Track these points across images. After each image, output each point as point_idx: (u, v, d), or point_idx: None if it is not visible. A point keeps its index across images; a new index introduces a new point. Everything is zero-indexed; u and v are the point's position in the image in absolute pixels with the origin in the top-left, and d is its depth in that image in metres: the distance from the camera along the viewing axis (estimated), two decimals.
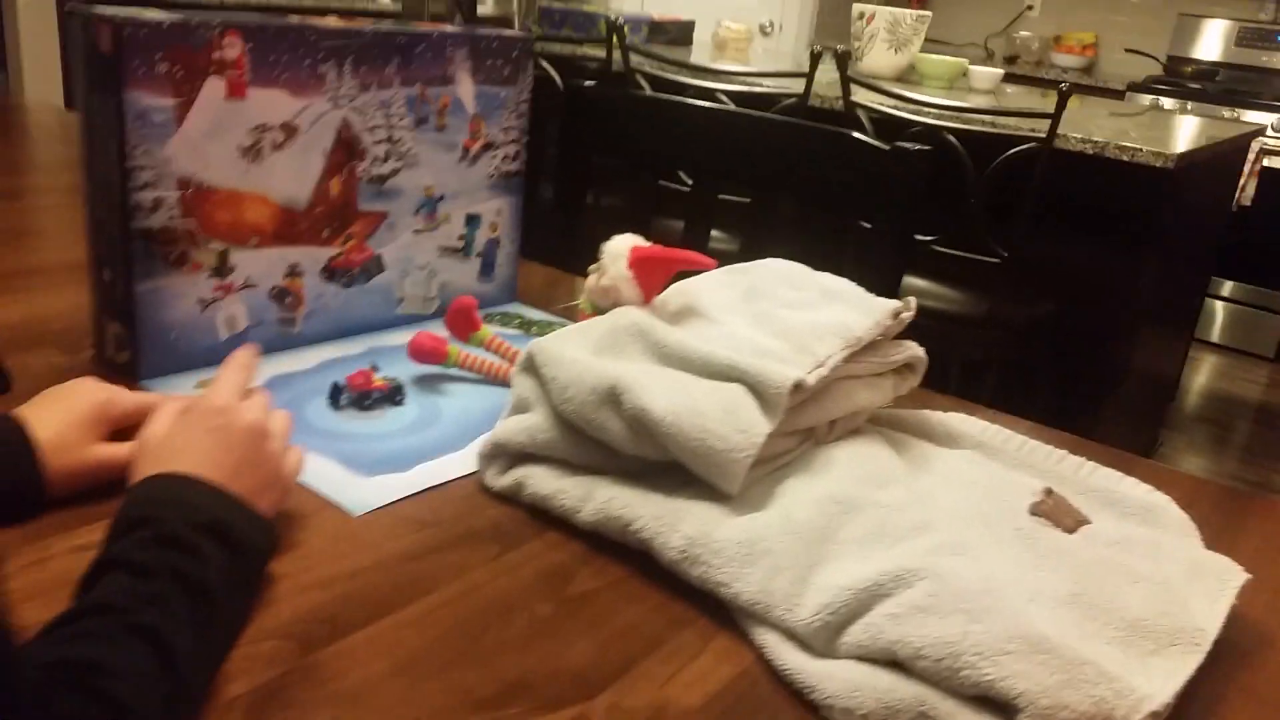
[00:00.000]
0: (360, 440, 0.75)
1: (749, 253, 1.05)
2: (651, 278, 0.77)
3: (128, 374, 0.80)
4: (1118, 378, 2.25)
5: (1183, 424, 3.14)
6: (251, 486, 0.57)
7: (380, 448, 0.74)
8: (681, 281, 0.82)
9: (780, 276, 0.83)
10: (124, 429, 0.64)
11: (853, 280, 0.84)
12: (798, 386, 0.66)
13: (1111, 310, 2.13)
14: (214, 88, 0.77)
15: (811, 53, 2.00)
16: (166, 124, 0.75)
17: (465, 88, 0.94)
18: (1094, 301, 2.13)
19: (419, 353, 0.85)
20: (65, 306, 0.90)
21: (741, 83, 2.18)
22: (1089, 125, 2.07)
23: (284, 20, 0.81)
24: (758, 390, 0.66)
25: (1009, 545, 0.65)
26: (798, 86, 2.09)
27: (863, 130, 1.95)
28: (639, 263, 0.76)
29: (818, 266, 0.86)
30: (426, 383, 0.86)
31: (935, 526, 0.61)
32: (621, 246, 0.76)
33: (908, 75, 2.57)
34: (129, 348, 0.80)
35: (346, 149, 0.87)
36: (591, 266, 0.79)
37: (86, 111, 0.75)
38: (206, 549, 0.50)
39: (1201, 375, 3.61)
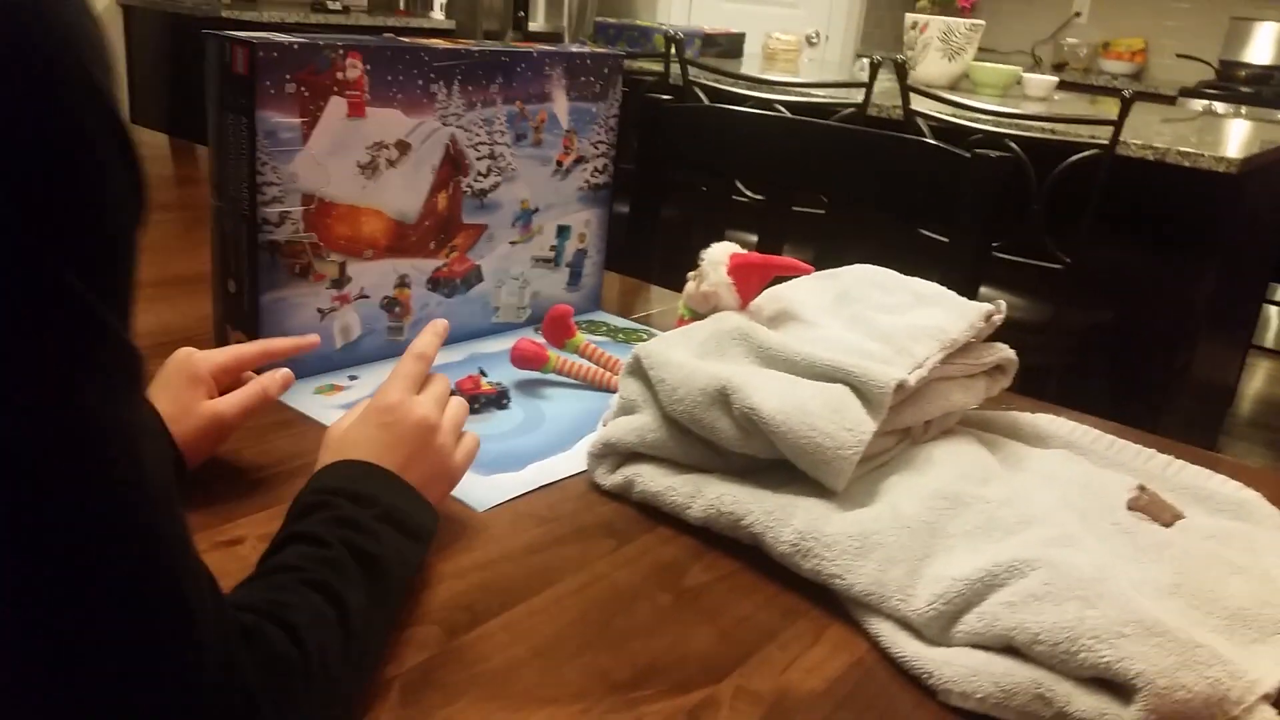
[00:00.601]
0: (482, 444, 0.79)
1: (822, 264, 1.08)
2: (749, 284, 0.80)
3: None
4: (1176, 383, 2.25)
5: (1240, 430, 3.11)
6: (420, 477, 0.61)
7: (493, 448, 0.78)
8: (776, 287, 0.85)
9: (871, 281, 0.86)
10: (225, 385, 0.71)
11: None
12: (900, 386, 0.69)
13: (1171, 316, 2.13)
14: (337, 107, 0.81)
15: (870, 61, 2.02)
16: (294, 141, 0.80)
17: (560, 104, 0.98)
18: (1153, 307, 2.13)
19: (521, 359, 0.89)
20: (185, 319, 0.95)
21: (798, 93, 2.21)
22: (1145, 131, 2.08)
23: (399, 41, 0.85)
24: (862, 390, 0.69)
25: (1109, 539, 0.67)
26: (854, 96, 2.12)
27: (923, 138, 1.97)
28: (738, 269, 0.79)
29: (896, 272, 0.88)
30: (527, 387, 0.90)
31: (1041, 520, 0.63)
32: (721, 254, 0.80)
33: (961, 84, 2.59)
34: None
35: (453, 164, 0.91)
36: (690, 273, 0.82)
37: (218, 131, 0.80)
38: (378, 529, 0.54)
39: (1258, 381, 3.57)
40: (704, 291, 0.80)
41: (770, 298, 0.84)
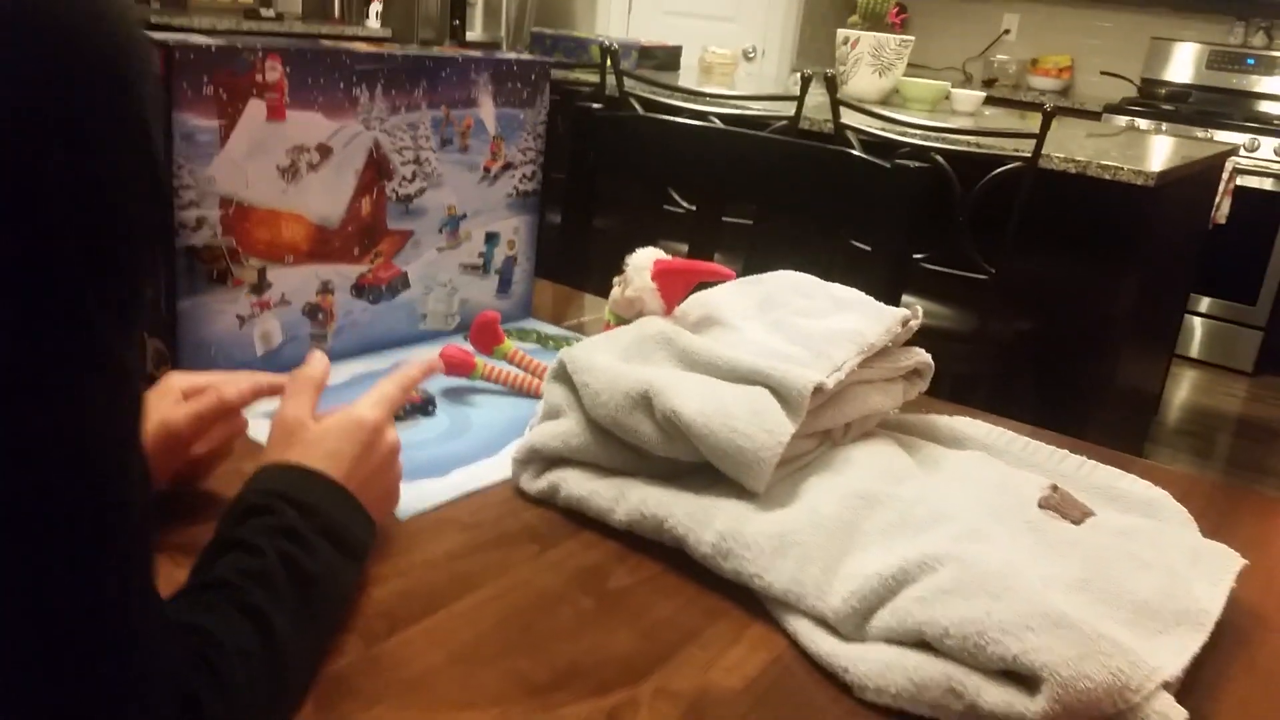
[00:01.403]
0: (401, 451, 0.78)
1: (752, 273, 1.09)
2: (674, 289, 0.80)
3: None
4: (1101, 392, 2.31)
5: (1166, 438, 3.20)
6: (374, 496, 0.61)
7: (417, 455, 0.77)
8: (701, 293, 0.86)
9: (792, 286, 0.87)
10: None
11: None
12: (818, 389, 0.70)
13: (1093, 325, 2.19)
14: (256, 109, 0.80)
15: (802, 76, 2.05)
16: (211, 144, 0.78)
17: (487, 110, 0.98)
18: (1076, 317, 2.19)
19: (449, 365, 0.88)
20: None
21: (733, 106, 2.23)
22: (1069, 145, 2.14)
23: (321, 44, 0.85)
24: (781, 393, 0.70)
25: (1021, 536, 0.69)
26: (787, 110, 2.15)
27: (853, 150, 2.00)
28: (662, 274, 0.80)
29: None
30: (454, 394, 0.89)
31: (953, 517, 0.64)
32: (645, 260, 0.80)
33: (891, 99, 2.64)
34: (168, 362, 0.83)
35: (377, 169, 0.90)
36: (616, 279, 0.83)
37: None
38: (317, 544, 0.53)
39: (1183, 390, 3.68)
40: (628, 297, 0.80)
41: (695, 303, 0.84)
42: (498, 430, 0.83)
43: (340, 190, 0.88)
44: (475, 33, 3.77)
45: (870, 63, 2.53)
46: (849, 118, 2.05)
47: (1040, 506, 0.71)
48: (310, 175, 0.86)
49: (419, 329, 1.00)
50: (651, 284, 0.79)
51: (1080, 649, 0.52)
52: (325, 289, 0.90)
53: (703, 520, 0.66)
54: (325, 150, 0.86)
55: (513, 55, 1.00)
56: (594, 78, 2.42)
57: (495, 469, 0.76)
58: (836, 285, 0.89)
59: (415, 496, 0.71)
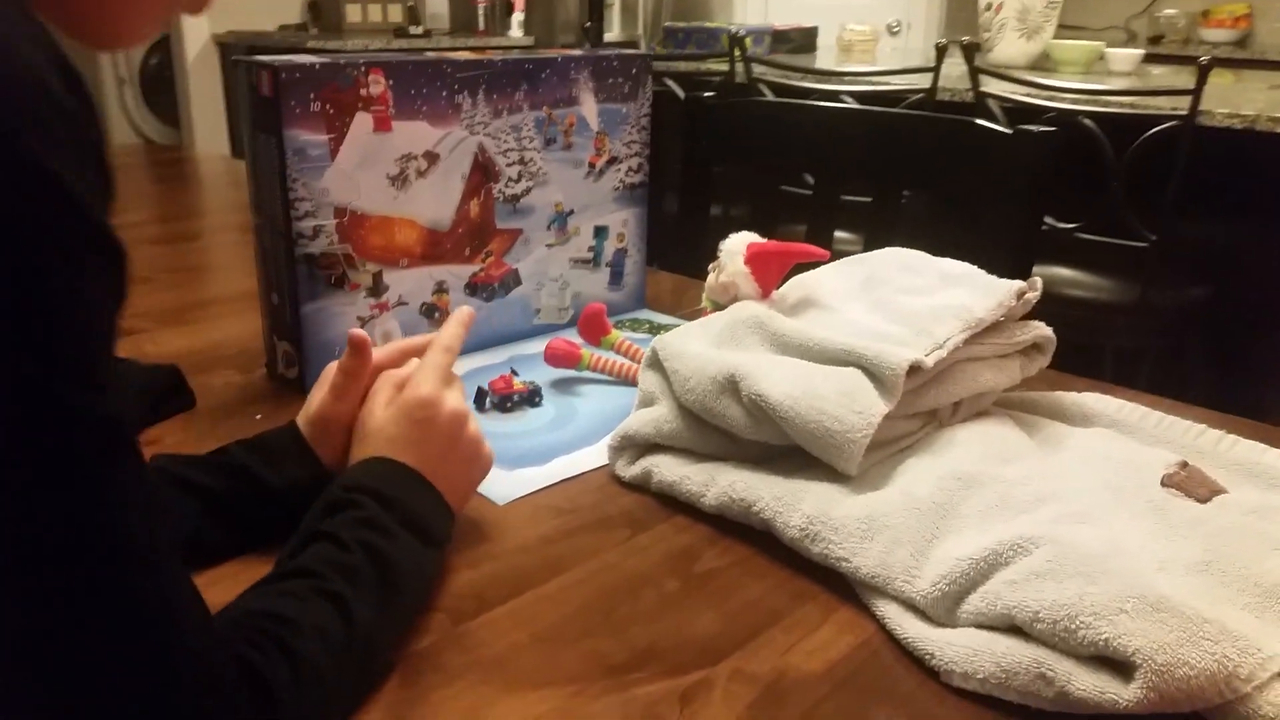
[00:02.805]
0: (503, 439, 0.81)
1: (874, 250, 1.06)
2: (768, 272, 0.80)
3: (295, 388, 0.88)
4: None
5: None
6: (452, 471, 0.63)
7: (521, 444, 0.80)
8: (801, 275, 0.85)
9: (898, 263, 0.85)
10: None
11: (982, 268, 0.84)
12: (915, 368, 0.68)
13: (1271, 292, 2.01)
14: (362, 122, 0.85)
15: (936, 46, 1.98)
16: (322, 158, 0.83)
17: (589, 106, 1.00)
18: (1253, 285, 2.01)
19: (554, 357, 0.90)
20: (240, 331, 1.00)
21: (865, 83, 2.17)
22: (1240, 100, 1.97)
23: (421, 55, 0.88)
24: (874, 373, 0.68)
25: (1141, 517, 0.65)
26: (926, 82, 2.08)
27: (994, 121, 1.92)
28: (755, 258, 0.79)
29: (944, 255, 0.86)
30: (562, 385, 0.91)
31: (1059, 497, 0.61)
32: (738, 244, 0.80)
33: (1041, 63, 2.50)
34: (296, 364, 0.88)
35: (483, 172, 0.94)
36: (711, 265, 0.82)
37: (252, 151, 0.84)
38: (400, 536, 0.56)
39: None
40: (722, 282, 0.80)
41: (795, 285, 0.83)
42: (602, 419, 0.85)
43: (449, 194, 0.92)
44: (613, 33, 3.82)
45: (1016, 27, 2.41)
46: (990, 85, 1.96)
47: (1163, 484, 0.67)
48: (419, 181, 0.89)
49: (533, 324, 1.02)
50: (744, 268, 0.79)
51: (1180, 633, 0.48)
52: (440, 289, 0.94)
53: (791, 503, 0.65)
54: (432, 157, 0.90)
55: (613, 51, 1.01)
56: (725, 67, 2.41)
57: (595, 456, 0.78)
58: (947, 260, 0.85)
59: (514, 483, 0.73)
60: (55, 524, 0.36)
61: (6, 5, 0.36)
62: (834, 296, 0.80)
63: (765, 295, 0.81)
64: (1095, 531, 0.56)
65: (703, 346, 0.74)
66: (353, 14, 3.91)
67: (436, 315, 0.95)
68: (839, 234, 1.31)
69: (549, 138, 0.97)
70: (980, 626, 0.55)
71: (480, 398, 0.86)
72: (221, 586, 0.55)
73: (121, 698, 0.38)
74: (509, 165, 0.95)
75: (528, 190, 0.97)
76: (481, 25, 3.99)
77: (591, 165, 1.02)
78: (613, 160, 1.04)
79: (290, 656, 0.45)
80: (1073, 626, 0.50)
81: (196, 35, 3.81)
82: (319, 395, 0.67)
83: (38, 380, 0.35)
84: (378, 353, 0.68)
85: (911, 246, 0.91)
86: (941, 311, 0.74)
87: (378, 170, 0.87)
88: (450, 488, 0.63)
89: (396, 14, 4.02)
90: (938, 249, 0.88)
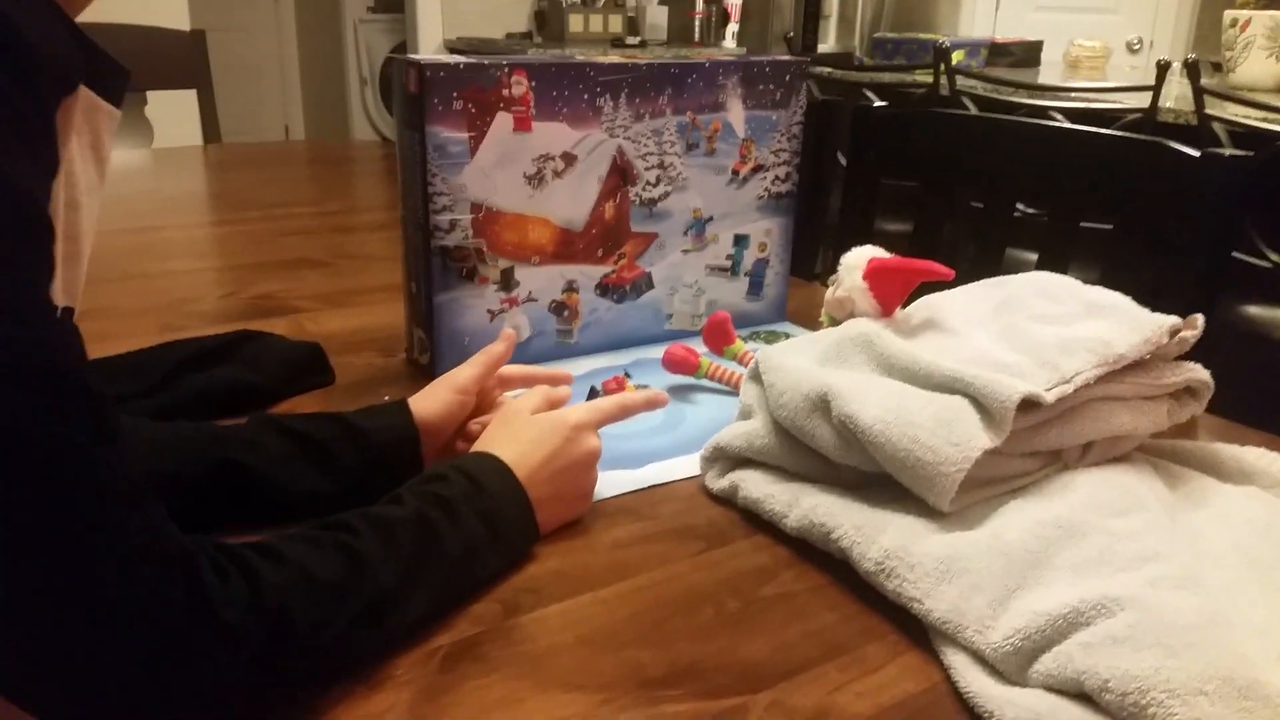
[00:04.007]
0: (608, 439, 0.80)
1: (1020, 264, 0.99)
2: (889, 289, 0.76)
3: (427, 374, 0.92)
4: None
5: None
6: (554, 496, 0.65)
7: (621, 446, 0.79)
8: (932, 295, 0.80)
9: (1040, 289, 0.78)
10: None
11: (1158, 298, 0.76)
12: (1031, 402, 0.62)
13: None
14: (503, 122, 0.87)
15: (1158, 64, 1.82)
16: (462, 155, 0.86)
17: (736, 113, 0.98)
18: None
19: (671, 363, 0.90)
20: (389, 318, 1.05)
21: (1079, 99, 2.03)
22: None
23: (565, 58, 0.90)
24: (982, 403, 0.63)
25: (1277, 591, 0.57)
26: (1148, 102, 1.91)
27: (1219, 146, 1.74)
28: (874, 274, 0.75)
29: (1119, 283, 0.79)
30: (678, 391, 0.90)
31: (1165, 558, 0.54)
32: (858, 258, 0.76)
33: None
34: (429, 350, 0.92)
35: (620, 174, 0.94)
36: (830, 279, 0.79)
37: (400, 146, 0.89)
38: (469, 523, 0.58)
39: None
40: (839, 297, 0.77)
41: (920, 305, 0.78)
42: (709, 428, 0.82)
43: (584, 195, 0.93)
44: (828, 43, 3.76)
45: (1265, 45, 2.18)
46: (1217, 108, 1.79)
47: None
48: (555, 182, 0.91)
49: (664, 328, 1.02)
50: (862, 283, 0.75)
51: None
52: (570, 288, 0.96)
53: (871, 534, 0.61)
54: (570, 158, 0.91)
55: (765, 57, 0.99)
56: (931, 79, 2.31)
57: (689, 465, 0.76)
58: (1096, 289, 0.78)
59: (604, 483, 0.73)
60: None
61: None
62: (960, 320, 0.75)
63: (886, 313, 0.77)
64: (1196, 600, 0.50)
65: (804, 362, 0.71)
66: (575, 24, 4.05)
67: (565, 313, 0.96)
68: (1014, 251, 1.23)
69: (691, 143, 0.97)
70: (1051, 689, 0.50)
71: (592, 397, 0.86)
72: None
73: (65, 557, 0.39)
74: (648, 169, 0.95)
75: (666, 195, 0.97)
76: (697, 36, 4.03)
77: (735, 172, 1.00)
78: (759, 168, 1.02)
79: (251, 577, 0.45)
80: (1144, 702, 0.44)
81: (430, 39, 4.06)
82: (450, 378, 0.74)
83: None
84: (511, 369, 0.76)
85: (1087, 271, 0.84)
86: (1073, 344, 0.68)
87: (515, 169, 0.89)
88: (545, 513, 0.64)
89: (617, 24, 4.13)
90: (1113, 275, 0.81)
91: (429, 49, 4.04)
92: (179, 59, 2.12)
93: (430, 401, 0.72)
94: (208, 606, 0.43)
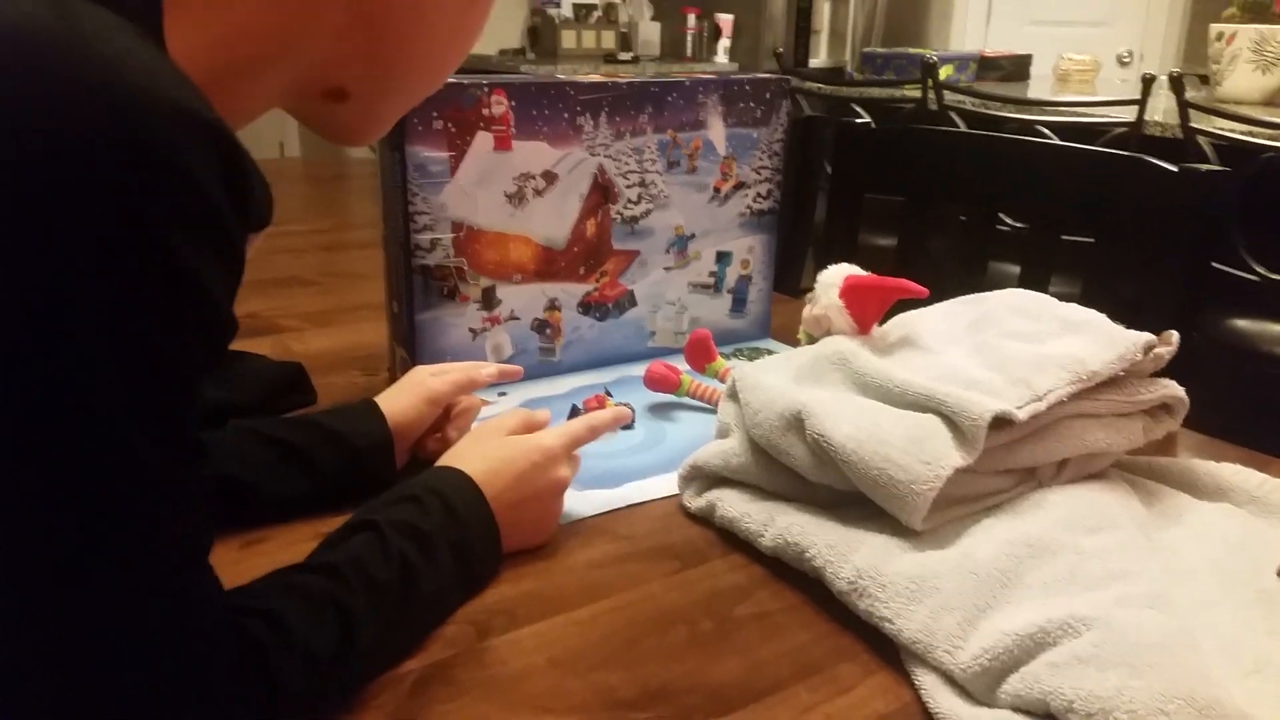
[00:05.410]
0: (587, 459, 0.80)
1: (1027, 286, 0.99)
2: (865, 307, 0.76)
3: None
4: None
5: None
6: (519, 521, 0.65)
7: (600, 465, 0.79)
8: (908, 313, 0.80)
9: (1015, 307, 0.78)
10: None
11: (1140, 312, 0.77)
12: (1002, 420, 0.63)
13: None
14: (483, 141, 0.87)
15: (1144, 78, 1.83)
16: (442, 174, 0.86)
17: (716, 130, 0.99)
18: None
19: (652, 381, 0.90)
20: (374, 337, 1.06)
21: (1066, 113, 2.04)
22: None
23: (545, 77, 0.90)
24: (954, 422, 0.63)
25: (1248, 608, 0.57)
26: (1134, 116, 1.92)
27: (1204, 159, 1.75)
28: (850, 291, 0.75)
29: (1102, 296, 0.80)
30: (660, 410, 0.90)
31: (1134, 576, 0.55)
32: (834, 276, 0.76)
33: (1278, 99, 2.26)
34: (410, 369, 0.92)
35: (601, 192, 0.95)
36: (807, 296, 0.79)
37: (381, 165, 0.89)
38: (444, 561, 0.58)
39: None
40: (815, 315, 0.77)
41: (896, 323, 0.79)
42: (689, 446, 0.82)
43: (565, 214, 0.93)
44: (819, 58, 3.78)
45: (1251, 59, 2.20)
46: (1203, 121, 1.80)
47: (1279, 574, 0.58)
48: (536, 200, 0.91)
49: (648, 346, 1.02)
50: (838, 301, 0.75)
51: None
52: (552, 306, 0.96)
53: (844, 553, 0.61)
54: (550, 176, 0.92)
55: (745, 75, 1.00)
56: (919, 94, 2.32)
57: (667, 484, 0.76)
58: (1071, 306, 0.78)
59: (580, 503, 0.73)
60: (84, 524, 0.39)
61: (171, 87, 0.39)
62: (935, 338, 0.75)
63: (862, 331, 0.77)
64: (1161, 619, 0.50)
65: (780, 380, 0.71)
66: (568, 40, 4.07)
67: (548, 331, 0.96)
68: (997, 266, 1.23)
69: (672, 160, 0.97)
70: (1018, 710, 0.50)
71: (573, 415, 0.86)
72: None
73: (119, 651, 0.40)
74: (629, 187, 0.96)
75: (647, 212, 0.98)
76: (689, 52, 4.05)
77: (717, 190, 1.01)
78: (740, 185, 1.02)
79: (267, 674, 0.47)
80: None
81: None
82: (423, 381, 0.76)
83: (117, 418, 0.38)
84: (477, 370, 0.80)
85: (1070, 284, 0.85)
86: (1046, 361, 0.68)
87: (496, 188, 0.89)
88: (509, 535, 0.64)
89: (610, 40, 4.15)
90: (1096, 289, 0.81)
91: None
92: None
93: (403, 406, 0.75)
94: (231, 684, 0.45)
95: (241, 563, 0.64)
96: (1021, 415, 0.64)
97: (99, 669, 0.40)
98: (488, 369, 0.80)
